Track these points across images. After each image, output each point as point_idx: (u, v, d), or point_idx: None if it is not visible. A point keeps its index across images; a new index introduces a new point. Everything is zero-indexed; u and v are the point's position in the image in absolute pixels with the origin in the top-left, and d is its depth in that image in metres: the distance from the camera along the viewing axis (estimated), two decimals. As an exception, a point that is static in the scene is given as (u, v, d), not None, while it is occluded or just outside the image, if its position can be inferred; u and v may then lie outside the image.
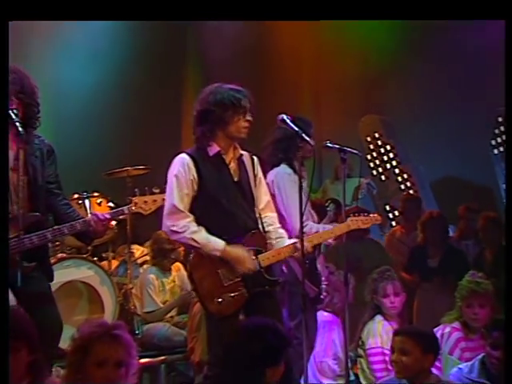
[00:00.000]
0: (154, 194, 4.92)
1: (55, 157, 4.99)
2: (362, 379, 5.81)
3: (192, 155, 4.71)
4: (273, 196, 5.16)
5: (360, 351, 5.84)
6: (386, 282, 5.83)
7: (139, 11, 8.47)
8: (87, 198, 7.25)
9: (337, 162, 8.07)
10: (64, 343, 4.60)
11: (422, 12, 8.66)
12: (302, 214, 4.59)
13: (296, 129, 4.70)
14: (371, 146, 10.13)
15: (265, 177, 5.08)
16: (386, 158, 10.19)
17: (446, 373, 4.94)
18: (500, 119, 9.95)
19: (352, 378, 5.78)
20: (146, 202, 4.90)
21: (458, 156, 9.71)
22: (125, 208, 4.92)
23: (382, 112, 10.19)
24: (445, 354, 5.20)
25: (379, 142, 10.20)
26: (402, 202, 8.90)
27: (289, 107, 5.05)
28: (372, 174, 10.10)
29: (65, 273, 6.65)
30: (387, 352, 5.56)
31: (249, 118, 4.71)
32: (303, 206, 4.60)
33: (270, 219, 4.85)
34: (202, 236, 4.63)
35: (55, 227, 4.87)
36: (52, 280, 5.04)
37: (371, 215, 5.25)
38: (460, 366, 4.69)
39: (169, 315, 7.27)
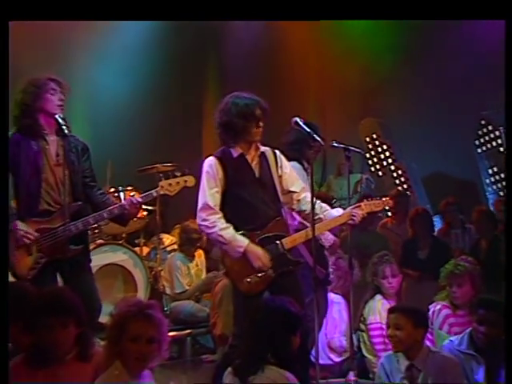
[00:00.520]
0: (176, 177, 5.00)
1: (89, 154, 5.05)
2: (364, 351, 5.78)
3: (219, 157, 4.71)
4: None
5: (362, 326, 5.82)
6: (384, 265, 5.80)
7: (139, 11, 7.91)
8: (122, 191, 7.33)
9: (339, 160, 8.11)
10: (103, 318, 4.67)
11: (422, 12, 8.13)
12: (313, 205, 4.57)
13: (308, 130, 4.71)
14: (370, 146, 10.11)
15: None
16: (382, 156, 10.17)
17: (437, 345, 4.89)
18: (483, 122, 9.93)
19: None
20: (170, 184, 4.98)
21: (445, 154, 9.68)
22: (153, 191, 4.97)
23: (379, 115, 10.17)
24: (436, 329, 5.20)
25: (377, 142, 10.17)
26: (393, 198, 8.90)
27: (298, 112, 5.02)
28: (370, 170, 10.09)
29: (103, 257, 6.78)
30: (385, 327, 5.63)
31: (261, 124, 4.69)
32: (313, 198, 4.56)
33: (308, 198, 4.74)
34: (229, 233, 4.61)
35: (96, 213, 4.91)
36: (90, 262, 5.10)
37: (383, 199, 5.10)
38: (451, 338, 4.64)
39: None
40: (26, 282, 4.80)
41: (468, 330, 4.58)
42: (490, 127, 9.93)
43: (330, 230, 5.24)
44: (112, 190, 7.16)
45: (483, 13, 6.74)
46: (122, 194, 7.24)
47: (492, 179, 9.94)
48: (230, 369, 3.76)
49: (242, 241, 4.61)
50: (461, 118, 9.57)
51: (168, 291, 7.29)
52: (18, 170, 4.83)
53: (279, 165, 4.84)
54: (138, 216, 7.09)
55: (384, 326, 5.57)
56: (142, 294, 7.03)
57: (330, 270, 5.82)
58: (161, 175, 5.11)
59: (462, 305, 5.25)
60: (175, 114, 9.61)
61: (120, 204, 4.95)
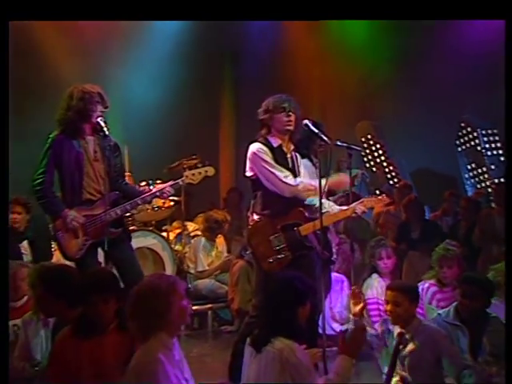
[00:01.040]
0: (198, 167, 5.12)
1: (120, 151, 5.14)
2: (362, 322, 5.84)
3: (264, 143, 4.73)
4: None
5: (360, 301, 5.86)
6: (380, 248, 5.87)
7: (138, 11, 7.24)
8: (152, 184, 7.29)
9: (338, 157, 8.09)
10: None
11: (422, 12, 7.45)
12: (321, 196, 4.57)
13: (316, 131, 4.69)
14: (365, 145, 10.08)
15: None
16: (376, 154, 10.15)
17: (428, 318, 4.88)
18: (463, 124, 9.93)
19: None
20: (193, 174, 5.09)
21: (430, 152, 9.64)
22: (179, 180, 5.08)
23: (373, 118, 10.16)
24: (426, 304, 5.23)
25: (371, 142, 10.16)
26: (398, 189, 8.89)
27: (303, 114, 5.03)
28: (365, 166, 10.06)
29: (135, 241, 6.59)
30: (381, 302, 5.60)
31: (290, 113, 4.70)
32: (322, 189, 4.56)
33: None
34: (307, 183, 4.66)
35: (132, 200, 4.99)
36: (131, 240, 5.18)
37: (380, 196, 5.11)
38: (439, 312, 4.65)
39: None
40: (74, 261, 4.91)
41: (454, 304, 4.58)
42: (468, 129, 9.94)
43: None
44: (143, 183, 7.13)
45: (483, 13, 6.25)
46: (152, 187, 7.26)
47: (470, 174, 9.97)
48: (248, 339, 3.74)
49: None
50: (444, 121, 9.55)
51: (191, 270, 7.30)
52: (61, 166, 4.90)
53: (299, 163, 4.85)
54: (166, 206, 7.18)
55: (380, 301, 5.68)
56: (169, 273, 6.91)
57: (334, 252, 5.84)
58: (185, 167, 5.17)
59: (449, 283, 5.29)
60: (196, 117, 9.58)
61: (152, 192, 5.04)
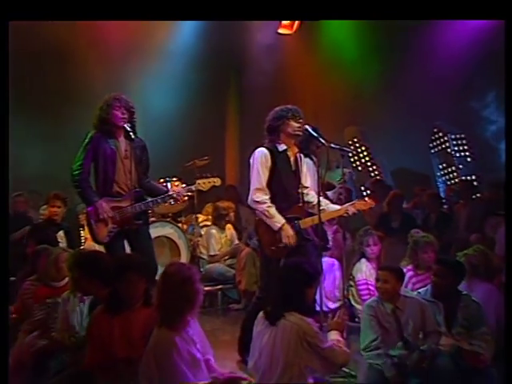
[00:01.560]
0: (208, 177, 5.16)
1: (147, 151, 5.16)
2: (352, 301, 5.85)
3: (269, 149, 4.70)
4: None
5: (351, 283, 5.86)
6: (368, 237, 5.86)
7: (138, 11, 6.57)
8: (169, 181, 7.29)
9: (329, 158, 8.09)
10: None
11: (422, 12, 6.60)
12: (319, 192, 4.61)
13: (315, 135, 4.72)
14: (352, 147, 10.05)
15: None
16: (361, 155, 10.11)
17: None
18: (435, 130, 9.94)
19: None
20: (204, 182, 5.14)
21: (408, 154, 9.61)
22: (192, 186, 5.15)
23: (359, 124, 10.14)
24: (402, 287, 5.20)
25: (357, 144, 10.13)
26: (372, 184, 8.99)
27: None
28: (352, 165, 10.05)
29: (154, 231, 6.74)
30: (370, 282, 5.63)
31: (299, 120, 4.69)
32: (319, 185, 4.63)
33: (313, 194, 4.80)
34: (273, 211, 4.60)
35: (154, 198, 5.05)
36: (149, 232, 5.19)
37: (368, 201, 4.99)
38: (419, 290, 4.61)
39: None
40: (103, 245, 4.97)
41: (430, 284, 4.59)
42: (440, 134, 9.94)
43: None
44: (161, 180, 7.18)
45: (483, 13, 5.59)
46: (169, 184, 7.24)
47: (442, 172, 9.96)
48: (261, 313, 3.74)
49: (280, 220, 4.60)
50: (419, 127, 9.55)
51: (204, 256, 7.32)
52: (97, 160, 4.95)
53: (303, 164, 4.85)
54: (181, 200, 7.17)
55: (369, 281, 5.69)
56: (184, 258, 7.09)
57: (330, 240, 5.86)
58: (197, 175, 5.25)
59: (425, 267, 5.23)
60: (205, 122, 9.58)
61: (170, 194, 5.08)
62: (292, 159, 4.78)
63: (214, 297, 7.11)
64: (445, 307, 4.30)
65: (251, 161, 4.73)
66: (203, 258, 7.30)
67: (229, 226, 7.45)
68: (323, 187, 5.50)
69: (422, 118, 9.42)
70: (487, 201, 7.68)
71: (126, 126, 4.95)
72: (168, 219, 7.40)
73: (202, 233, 7.57)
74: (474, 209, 7.51)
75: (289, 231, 4.60)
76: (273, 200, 4.66)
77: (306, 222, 4.70)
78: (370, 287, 5.53)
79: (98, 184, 4.98)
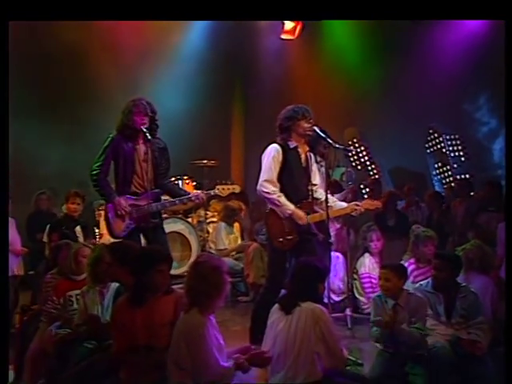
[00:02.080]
0: (227, 184, 5.26)
1: (167, 152, 5.14)
2: (356, 294, 5.90)
3: (281, 145, 4.72)
4: None
5: (355, 276, 5.90)
6: (371, 232, 5.91)
7: (137, 10, 6.09)
8: (180, 179, 7.42)
9: (333, 157, 8.14)
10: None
11: (422, 12, 6.28)
12: (327, 189, 4.65)
13: (323, 135, 4.72)
14: (351, 147, 10.10)
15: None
16: (361, 155, 10.12)
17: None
18: (431, 131, 9.97)
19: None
20: (223, 188, 5.16)
21: (405, 153, 9.67)
22: (211, 191, 5.16)
23: (358, 125, 10.16)
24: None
25: (357, 145, 10.14)
26: (370, 183, 9.06)
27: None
28: (352, 165, 10.03)
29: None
30: (372, 276, 5.69)
31: (310, 120, 4.71)
32: (327, 184, 4.73)
33: (322, 192, 4.80)
34: (283, 200, 4.61)
35: (171, 199, 5.08)
36: (164, 231, 5.25)
37: (375, 202, 5.03)
38: (421, 283, 4.65)
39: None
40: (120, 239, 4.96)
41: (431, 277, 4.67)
42: (435, 134, 9.97)
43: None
44: (173, 178, 7.21)
45: (483, 13, 5.34)
46: (180, 182, 7.33)
47: (437, 171, 10.00)
48: (276, 305, 3.78)
49: (290, 206, 4.61)
50: (416, 128, 9.58)
51: (213, 250, 7.34)
52: (117, 162, 4.99)
53: (313, 163, 4.86)
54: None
55: (371, 275, 5.74)
56: (194, 252, 7.12)
57: (332, 236, 5.87)
58: (217, 181, 5.33)
59: (426, 260, 5.28)
60: (211, 124, 9.66)
61: (189, 197, 5.10)
62: (303, 156, 4.79)
63: (223, 290, 7.14)
64: (444, 298, 4.34)
65: (263, 156, 4.75)
66: (212, 253, 7.30)
67: (236, 225, 7.49)
68: (330, 186, 5.54)
69: (418, 119, 9.46)
70: (481, 198, 7.75)
71: (143, 128, 4.96)
72: (180, 216, 7.43)
73: (210, 230, 7.62)
74: (471, 206, 7.58)
75: (299, 214, 4.60)
76: (283, 194, 4.66)
77: (315, 217, 4.71)
78: (373, 280, 5.59)
79: (118, 184, 5.03)
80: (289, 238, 4.63)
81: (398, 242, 6.42)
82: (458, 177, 9.55)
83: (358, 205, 4.85)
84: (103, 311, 4.21)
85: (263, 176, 4.68)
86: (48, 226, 6.25)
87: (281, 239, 4.64)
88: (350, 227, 5.73)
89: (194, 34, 9.28)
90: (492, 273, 4.93)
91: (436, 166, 9.98)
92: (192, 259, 7.06)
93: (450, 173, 9.78)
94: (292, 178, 4.70)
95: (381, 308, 4.24)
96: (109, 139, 5.00)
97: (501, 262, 5.16)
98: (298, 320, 3.58)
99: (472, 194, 8.23)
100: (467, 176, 9.53)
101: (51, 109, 8.45)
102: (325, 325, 3.57)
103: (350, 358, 4.35)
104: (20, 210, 6.96)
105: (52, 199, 7.28)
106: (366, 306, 5.64)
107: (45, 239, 6.21)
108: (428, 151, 10.06)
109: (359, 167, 10.17)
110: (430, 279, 4.56)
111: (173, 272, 4.24)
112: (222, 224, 7.44)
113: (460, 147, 9.82)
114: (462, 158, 9.79)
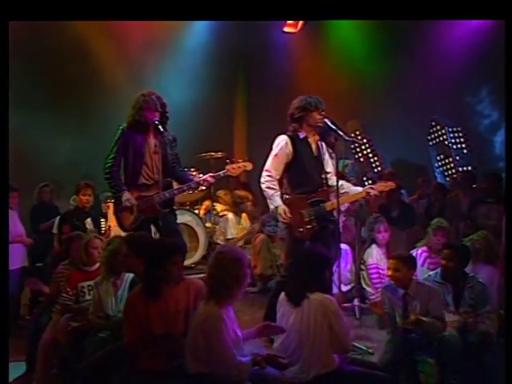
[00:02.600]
0: (238, 162, 5.08)
1: (177, 143, 5.12)
2: (363, 284, 5.87)
3: (290, 136, 4.72)
4: None
5: (362, 267, 5.88)
6: (378, 224, 5.85)
7: (137, 11, 6.29)
8: (187, 171, 7.37)
9: (340, 148, 8.13)
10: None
11: (422, 12, 6.39)
12: (338, 178, 4.63)
13: (334, 127, 4.67)
14: (360, 140, 10.03)
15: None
16: (363, 147, 10.12)
17: (422, 278, 4.96)
18: (433, 123, 9.98)
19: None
20: (234, 168, 5.01)
21: (408, 146, 9.66)
22: (221, 172, 5.02)
23: (361, 117, 10.14)
24: (419, 267, 5.27)
25: (359, 137, 10.05)
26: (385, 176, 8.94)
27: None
28: (355, 157, 10.08)
29: None
30: (380, 266, 5.67)
31: (322, 112, 4.69)
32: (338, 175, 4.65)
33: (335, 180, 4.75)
34: (270, 193, 4.59)
35: (180, 186, 5.04)
36: (176, 217, 5.17)
37: (389, 182, 5.03)
38: (430, 273, 4.71)
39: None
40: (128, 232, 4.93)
41: (440, 267, 4.69)
42: (438, 127, 9.98)
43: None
44: (180, 170, 7.22)
45: (483, 13, 5.36)
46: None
47: (439, 163, 10.01)
48: (282, 295, 3.77)
49: (277, 201, 4.59)
50: (418, 120, 9.58)
51: (220, 241, 7.34)
52: (127, 154, 4.97)
53: (324, 152, 4.87)
54: (199, 189, 7.23)
55: (379, 266, 5.72)
56: (202, 244, 7.12)
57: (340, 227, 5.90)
58: (227, 161, 5.19)
59: (438, 249, 5.23)
60: (215, 116, 9.63)
61: (197, 181, 5.06)
62: (313, 146, 4.77)
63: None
64: (453, 288, 4.38)
65: (273, 146, 4.73)
66: (219, 244, 7.31)
67: (244, 215, 7.48)
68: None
69: (420, 112, 9.44)
70: (483, 190, 7.76)
71: (155, 121, 4.94)
72: (187, 207, 7.44)
73: (220, 222, 7.60)
74: (474, 197, 7.59)
75: (281, 210, 4.57)
76: (298, 184, 4.68)
77: (331, 205, 4.69)
78: (380, 271, 5.58)
79: (126, 176, 5.02)
80: (309, 226, 4.64)
81: (403, 233, 6.42)
82: (461, 169, 9.57)
83: (372, 188, 4.82)
84: (117, 302, 4.23)
85: (265, 166, 4.69)
86: (58, 218, 6.25)
87: (301, 229, 4.63)
88: (357, 220, 5.72)
89: (198, 27, 9.31)
90: (498, 263, 4.95)
91: (438, 158, 9.99)
92: (200, 250, 7.09)
93: (451, 165, 9.79)
94: (304, 167, 4.69)
95: (393, 296, 4.23)
96: (119, 131, 4.99)
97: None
98: (309, 314, 3.57)
99: (474, 186, 8.26)
100: (469, 168, 9.55)
101: (59, 102, 8.44)
102: (334, 315, 3.56)
103: (361, 347, 4.38)
104: (29, 202, 7.00)
105: (55, 192, 7.26)
106: (373, 297, 5.64)
107: (54, 231, 6.21)
108: (430, 143, 10.07)
109: (362, 159, 10.16)
110: (438, 270, 4.58)
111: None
112: (230, 214, 7.44)
113: (462, 139, 9.82)
114: (465, 150, 9.80)
